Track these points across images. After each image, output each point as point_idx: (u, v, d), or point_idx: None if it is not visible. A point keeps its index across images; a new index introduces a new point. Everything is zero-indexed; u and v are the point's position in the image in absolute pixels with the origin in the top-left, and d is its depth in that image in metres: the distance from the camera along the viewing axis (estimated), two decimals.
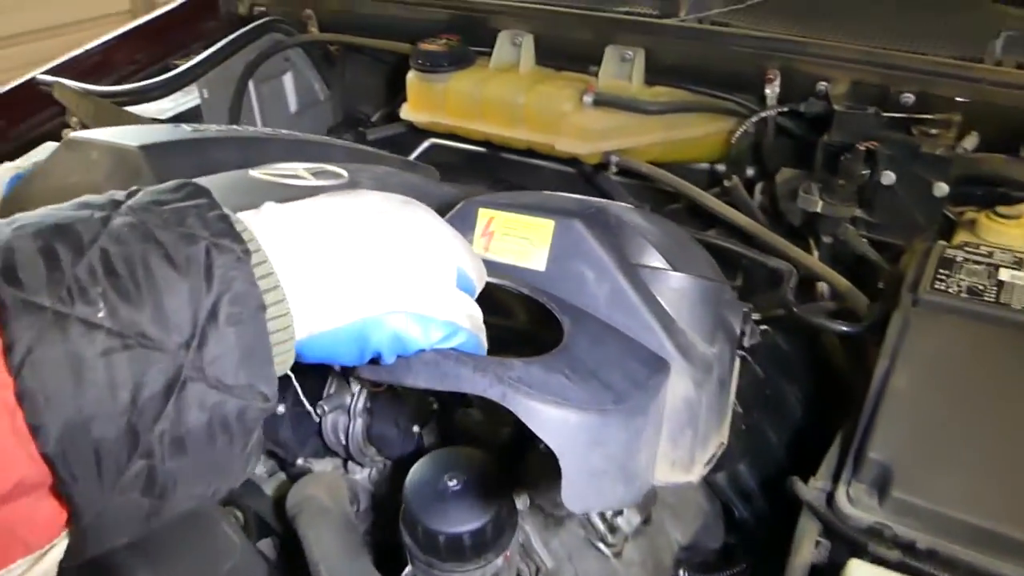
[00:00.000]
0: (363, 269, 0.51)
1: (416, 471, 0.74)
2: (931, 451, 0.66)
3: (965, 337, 0.75)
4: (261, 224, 0.49)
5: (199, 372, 0.43)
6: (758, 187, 1.22)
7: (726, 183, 1.18)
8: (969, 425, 0.67)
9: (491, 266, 0.64)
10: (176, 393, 0.43)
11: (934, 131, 1.00)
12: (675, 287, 0.69)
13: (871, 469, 0.66)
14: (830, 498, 0.68)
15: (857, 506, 0.66)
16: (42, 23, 3.13)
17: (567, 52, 1.28)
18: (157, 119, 1.33)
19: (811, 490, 0.70)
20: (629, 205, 0.80)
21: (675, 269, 0.71)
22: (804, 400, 1.03)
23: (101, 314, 0.41)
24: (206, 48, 1.42)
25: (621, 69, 1.22)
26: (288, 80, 1.54)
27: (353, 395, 0.81)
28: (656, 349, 0.65)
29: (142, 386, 0.42)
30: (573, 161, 1.26)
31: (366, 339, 0.51)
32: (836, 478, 0.69)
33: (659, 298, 0.67)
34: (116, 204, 0.46)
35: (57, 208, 0.46)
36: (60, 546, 0.45)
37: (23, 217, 0.44)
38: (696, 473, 0.68)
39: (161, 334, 0.42)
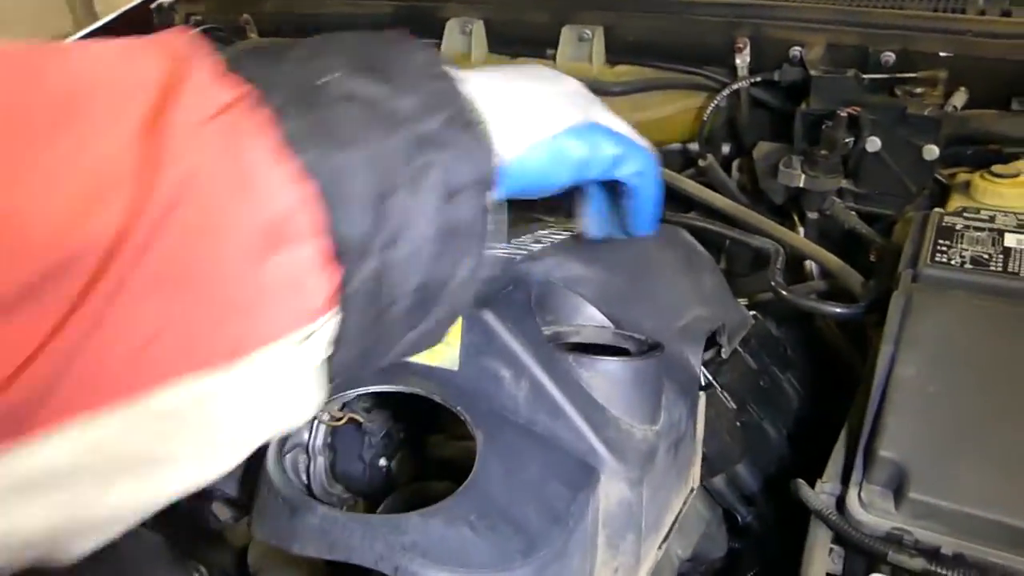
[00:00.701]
0: (547, 92, 0.54)
1: (384, 509, 0.68)
2: (949, 445, 0.59)
3: (974, 313, 0.68)
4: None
5: (422, 137, 0.41)
6: (735, 164, 1.15)
7: (700, 163, 1.11)
8: (989, 412, 0.61)
9: (402, 367, 0.60)
10: (410, 152, 0.40)
11: (919, 90, 0.93)
12: (605, 371, 0.62)
13: (884, 469, 0.60)
14: (840, 503, 0.62)
15: (871, 511, 0.59)
16: None
17: (521, 36, 1.20)
18: None
19: (819, 495, 0.64)
20: (567, 238, 0.74)
21: (619, 323, 0.65)
22: (802, 387, 0.97)
23: (334, 75, 0.40)
24: None
25: (579, 50, 1.14)
26: None
27: (311, 431, 0.74)
28: (584, 452, 0.60)
29: (379, 135, 0.39)
30: None
31: (567, 151, 0.53)
32: (845, 480, 0.63)
33: (589, 385, 0.62)
34: None
35: None
36: (325, 331, 0.38)
37: None
38: (646, 569, 0.64)
39: (390, 98, 0.41)
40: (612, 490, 0.61)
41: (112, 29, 1.50)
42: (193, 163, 0.33)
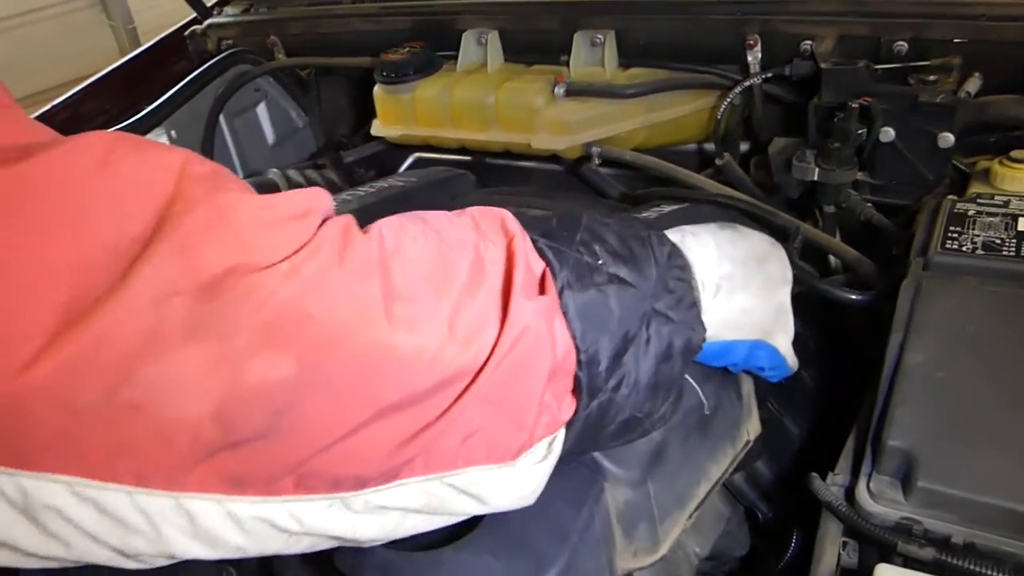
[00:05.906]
0: (760, 303, 0.68)
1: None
2: (958, 432, 0.58)
3: (984, 299, 0.67)
4: (684, 243, 0.65)
5: (656, 311, 0.58)
6: (752, 161, 1.14)
7: (718, 161, 1.10)
8: (1000, 398, 0.60)
9: None
10: (646, 322, 0.57)
11: (932, 78, 0.92)
12: None
13: (892, 458, 0.59)
14: (850, 494, 0.61)
15: (880, 501, 0.59)
16: (37, 87, 3.12)
17: (536, 45, 1.22)
18: None
19: (829, 487, 0.63)
20: None
21: None
22: (823, 383, 0.95)
23: (600, 262, 0.56)
24: None
25: (592, 55, 1.15)
26: (262, 111, 1.49)
27: None
28: (588, 464, 0.67)
29: (626, 310, 0.55)
30: (557, 157, 1.19)
31: (735, 350, 0.69)
32: (856, 471, 0.62)
33: None
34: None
35: None
36: (560, 438, 0.55)
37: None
38: (665, 547, 0.69)
39: (638, 283, 0.57)
40: (618, 494, 0.65)
41: (146, 60, 1.56)
42: (525, 324, 0.50)
